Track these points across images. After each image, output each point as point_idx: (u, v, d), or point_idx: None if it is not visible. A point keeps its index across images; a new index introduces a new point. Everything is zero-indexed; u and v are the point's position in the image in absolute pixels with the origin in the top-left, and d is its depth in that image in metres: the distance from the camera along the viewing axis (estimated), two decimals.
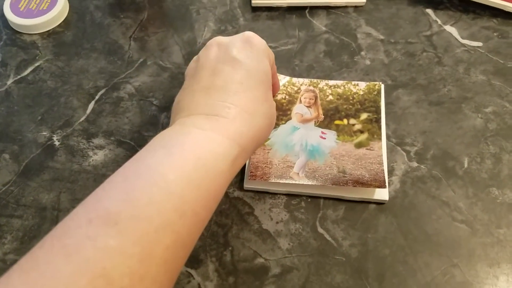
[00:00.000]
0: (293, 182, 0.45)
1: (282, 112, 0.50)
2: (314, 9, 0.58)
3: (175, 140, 0.34)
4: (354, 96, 0.50)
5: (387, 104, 0.51)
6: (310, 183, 0.45)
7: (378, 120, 0.49)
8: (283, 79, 0.52)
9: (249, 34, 0.41)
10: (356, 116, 0.49)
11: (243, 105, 0.37)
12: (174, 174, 0.31)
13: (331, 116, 0.49)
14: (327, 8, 0.58)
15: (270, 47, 0.55)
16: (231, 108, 0.36)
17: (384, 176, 0.45)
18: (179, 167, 0.32)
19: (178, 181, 0.31)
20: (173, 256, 0.29)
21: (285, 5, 0.58)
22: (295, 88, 0.51)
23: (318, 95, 0.50)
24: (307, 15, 0.58)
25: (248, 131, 0.37)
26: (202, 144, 0.34)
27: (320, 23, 0.57)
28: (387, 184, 0.45)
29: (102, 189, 0.31)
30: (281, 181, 0.45)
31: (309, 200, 0.45)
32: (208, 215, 0.34)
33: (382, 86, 0.51)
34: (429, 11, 0.58)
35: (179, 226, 0.30)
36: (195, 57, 0.43)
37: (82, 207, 0.30)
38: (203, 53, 0.42)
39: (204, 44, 0.55)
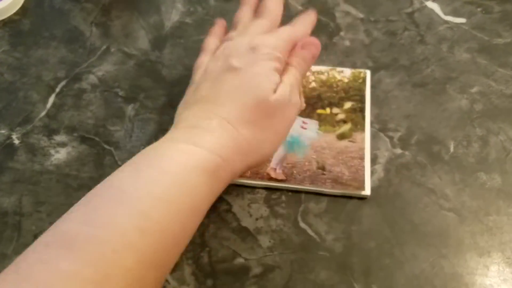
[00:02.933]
0: (269, 182, 0.42)
1: None
2: None
3: (145, 156, 0.32)
4: (338, 83, 0.48)
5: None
6: (286, 184, 0.42)
7: (362, 110, 0.46)
8: None
9: (258, 41, 0.38)
10: (339, 105, 0.47)
11: (227, 116, 0.34)
12: (139, 192, 0.29)
13: (313, 105, 0.47)
14: None
15: None
16: (213, 119, 0.34)
17: (363, 176, 0.43)
18: (144, 183, 0.30)
19: (143, 198, 0.29)
20: (138, 277, 0.27)
21: None
22: None
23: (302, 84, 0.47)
24: None
25: (230, 142, 0.34)
26: (173, 156, 0.32)
27: (296, 2, 0.54)
28: (367, 184, 0.42)
29: (67, 212, 0.29)
30: (257, 180, 0.42)
31: (289, 193, 0.43)
32: (185, 231, 0.31)
33: (368, 74, 0.49)
34: None
35: (142, 245, 0.27)
36: (207, 60, 0.41)
37: (45, 232, 0.28)
38: (212, 62, 0.39)
39: (172, 27, 0.52)
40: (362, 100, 0.47)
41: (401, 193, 0.43)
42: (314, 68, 0.48)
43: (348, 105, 0.47)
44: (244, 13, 0.44)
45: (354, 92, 0.47)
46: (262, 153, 0.37)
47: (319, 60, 0.49)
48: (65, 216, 0.29)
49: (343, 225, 0.41)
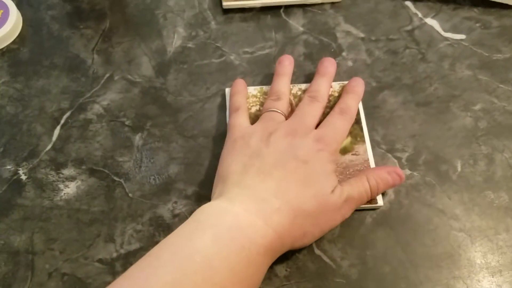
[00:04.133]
0: None
1: None
2: (289, 8, 0.55)
3: (222, 220, 0.34)
4: (330, 98, 0.48)
5: (373, 107, 0.49)
6: None
7: (358, 121, 0.47)
8: (253, 90, 0.48)
9: (322, 133, 0.42)
10: None
11: (290, 201, 0.37)
12: (219, 262, 0.32)
13: None
14: (303, 6, 0.55)
15: (246, 52, 0.52)
16: (279, 199, 0.36)
17: None
18: (224, 255, 0.32)
19: (221, 270, 0.31)
20: None
21: (258, 5, 0.54)
22: None
23: (294, 103, 0.48)
24: (283, 14, 0.54)
25: (288, 225, 0.36)
26: (248, 232, 0.34)
27: (296, 23, 0.54)
28: (379, 195, 0.43)
29: (149, 264, 0.32)
30: None
31: None
32: None
33: None
34: (408, 3, 0.56)
35: None
36: (259, 124, 0.43)
37: (129, 281, 0.31)
38: (276, 137, 0.41)
39: (175, 53, 0.52)
40: (356, 112, 0.47)
41: (412, 215, 0.43)
42: (304, 86, 0.48)
43: None
44: (284, 84, 0.46)
45: None
46: (302, 243, 0.39)
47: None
48: (150, 269, 0.32)
49: (358, 250, 0.42)
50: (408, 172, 0.45)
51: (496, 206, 0.44)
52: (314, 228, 0.39)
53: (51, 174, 0.44)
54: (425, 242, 0.42)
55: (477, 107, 0.49)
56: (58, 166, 0.45)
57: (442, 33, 0.53)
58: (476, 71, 0.51)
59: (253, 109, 0.47)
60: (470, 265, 0.41)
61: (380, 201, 0.43)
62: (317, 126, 0.44)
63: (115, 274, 0.40)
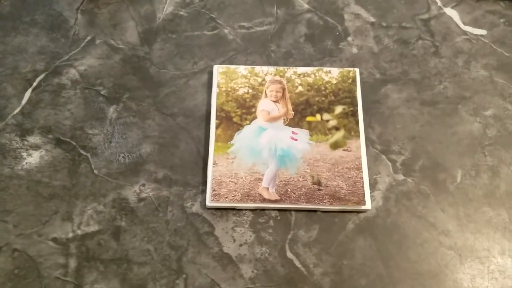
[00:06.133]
0: (262, 203, 0.39)
1: (246, 110, 0.43)
2: None
3: None
4: (327, 85, 0.44)
5: (373, 102, 0.44)
6: (280, 205, 0.39)
7: (354, 113, 0.43)
8: (243, 70, 0.44)
9: None
10: (330, 110, 0.43)
11: None
12: None
13: (301, 112, 0.43)
14: None
15: (242, 27, 0.47)
16: None
17: (363, 188, 0.40)
18: None
19: None
20: None
21: None
22: (259, 79, 0.44)
23: (286, 87, 0.43)
24: None
25: None
26: None
27: (303, 0, 0.49)
28: (367, 197, 0.39)
29: None
30: (248, 203, 0.39)
31: (278, 218, 0.39)
32: None
33: (357, 72, 0.44)
34: None
35: None
36: None
37: None
38: None
39: (165, 20, 0.47)
40: (353, 103, 0.43)
41: (399, 225, 0.39)
42: (300, 69, 0.44)
43: (339, 109, 0.43)
44: None
45: (344, 94, 0.43)
46: None
47: (314, 64, 0.45)
48: None
49: (334, 258, 0.38)
50: (401, 177, 0.41)
51: (494, 225, 0.40)
52: None
53: (15, 140, 0.41)
54: (410, 257, 0.38)
55: (488, 112, 0.44)
56: (23, 132, 0.42)
57: (461, 26, 0.48)
58: (493, 72, 0.46)
59: (241, 91, 0.43)
60: (455, 287, 0.37)
61: (368, 204, 0.39)
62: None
63: (68, 256, 0.37)
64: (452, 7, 0.49)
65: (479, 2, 0.49)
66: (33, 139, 0.41)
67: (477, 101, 0.44)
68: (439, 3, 0.49)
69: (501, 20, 0.48)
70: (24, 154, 0.41)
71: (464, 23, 0.48)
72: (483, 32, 0.48)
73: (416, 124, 0.43)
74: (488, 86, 0.45)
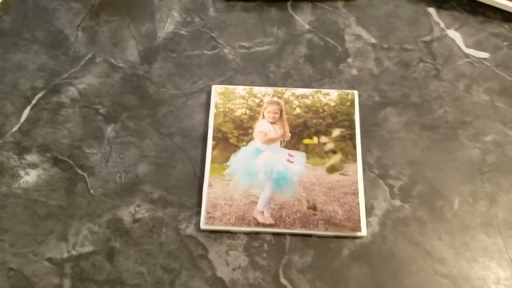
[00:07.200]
0: (256, 227, 0.39)
1: (243, 131, 0.42)
2: (298, 1, 0.50)
3: None
4: (325, 108, 0.43)
5: (372, 125, 0.44)
6: (275, 229, 0.39)
7: (352, 137, 0.42)
8: (241, 90, 0.44)
9: None
10: (327, 132, 0.43)
11: None
12: None
13: (299, 134, 0.43)
14: (313, 1, 0.50)
15: (242, 47, 0.47)
16: None
17: (358, 214, 0.39)
18: None
19: None
20: None
21: None
22: (257, 100, 0.44)
23: (284, 108, 0.43)
24: (289, 8, 0.49)
25: None
26: None
27: (303, 19, 0.49)
28: (363, 224, 0.39)
29: None
30: (242, 227, 0.39)
31: (273, 242, 0.39)
32: None
33: (356, 95, 0.44)
34: (431, 10, 0.50)
35: None
36: None
37: None
38: None
39: (165, 39, 0.47)
40: (351, 126, 0.43)
41: (395, 253, 0.39)
42: (298, 91, 0.44)
43: (336, 132, 0.43)
44: None
45: (342, 117, 0.43)
46: None
47: (313, 85, 0.45)
48: None
49: (328, 285, 0.38)
50: (398, 203, 0.41)
51: (490, 254, 0.39)
52: None
53: (13, 158, 0.42)
54: (405, 285, 0.38)
55: (488, 138, 0.44)
56: (21, 151, 0.42)
57: (464, 48, 0.48)
58: (494, 96, 0.45)
59: (239, 112, 0.43)
60: None
61: (364, 230, 0.39)
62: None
63: (63, 277, 0.37)
64: (455, 29, 0.49)
65: (483, 24, 0.49)
66: (31, 157, 0.42)
67: (478, 126, 0.44)
68: (442, 25, 0.49)
69: (505, 43, 0.48)
70: (22, 173, 0.41)
71: (467, 46, 0.48)
72: (486, 55, 0.47)
73: (416, 148, 0.43)
74: (489, 111, 0.45)
